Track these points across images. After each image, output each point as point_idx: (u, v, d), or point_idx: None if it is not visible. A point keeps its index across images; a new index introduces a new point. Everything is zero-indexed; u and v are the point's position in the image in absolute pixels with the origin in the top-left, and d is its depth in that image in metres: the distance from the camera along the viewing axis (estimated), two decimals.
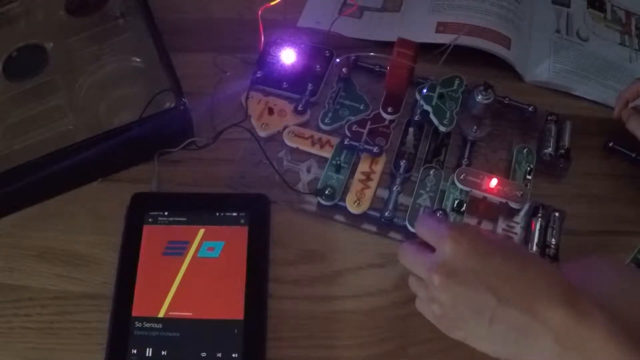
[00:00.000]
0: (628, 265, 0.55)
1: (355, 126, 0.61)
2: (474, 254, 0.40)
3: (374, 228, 0.57)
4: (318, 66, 0.66)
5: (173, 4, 0.72)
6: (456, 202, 0.57)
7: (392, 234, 0.57)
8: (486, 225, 0.57)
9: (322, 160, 0.60)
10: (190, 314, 0.52)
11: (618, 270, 0.46)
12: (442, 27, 0.68)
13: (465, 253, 0.41)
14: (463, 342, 0.44)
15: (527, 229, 0.57)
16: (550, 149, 0.61)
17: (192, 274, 0.53)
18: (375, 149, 0.59)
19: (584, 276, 0.43)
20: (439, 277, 0.41)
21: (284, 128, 0.62)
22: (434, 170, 0.59)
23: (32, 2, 0.67)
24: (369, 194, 0.58)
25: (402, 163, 0.59)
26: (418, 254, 0.44)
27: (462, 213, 0.57)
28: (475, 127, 0.61)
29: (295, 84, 0.65)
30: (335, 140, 0.61)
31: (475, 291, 0.40)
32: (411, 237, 0.55)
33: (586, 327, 0.37)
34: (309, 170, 0.60)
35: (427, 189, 0.58)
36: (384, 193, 0.59)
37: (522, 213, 0.58)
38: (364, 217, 0.57)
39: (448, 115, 0.61)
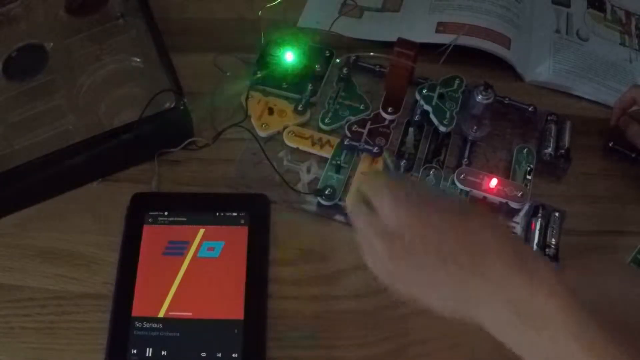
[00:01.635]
0: (628, 265, 0.55)
1: (355, 126, 0.61)
2: (415, 209, 0.40)
3: None
4: (318, 66, 0.66)
5: (173, 3, 0.72)
6: None
7: None
8: None
9: (322, 160, 0.60)
10: (190, 314, 0.52)
11: (618, 270, 0.46)
12: (442, 27, 0.68)
13: (405, 209, 0.40)
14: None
15: (527, 229, 0.57)
16: (550, 149, 0.61)
17: (192, 274, 0.53)
18: (375, 149, 0.59)
19: (585, 277, 0.43)
20: (381, 241, 0.40)
21: (284, 128, 0.62)
22: (434, 170, 0.59)
23: (32, 2, 0.67)
24: None
25: (402, 163, 0.59)
26: (367, 216, 0.42)
27: None
28: (475, 127, 0.61)
29: (295, 84, 0.64)
30: (335, 140, 0.61)
31: (420, 247, 0.39)
32: None
33: (541, 295, 0.35)
34: (309, 170, 0.60)
35: None
36: None
37: (522, 213, 0.58)
38: None
39: (448, 115, 0.61)
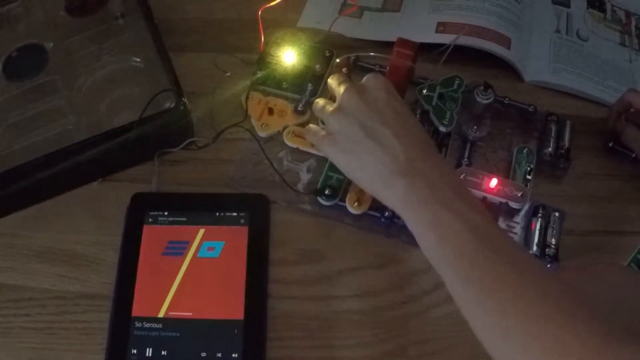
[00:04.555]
0: (628, 267, 0.55)
1: None
2: (382, 89, 0.52)
3: (374, 228, 0.57)
4: (318, 66, 0.66)
5: (173, 3, 0.72)
6: None
7: (393, 234, 0.57)
8: None
9: (322, 160, 0.60)
10: (190, 314, 0.52)
11: (619, 274, 0.46)
12: (442, 27, 0.68)
13: (377, 86, 0.52)
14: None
15: (527, 229, 0.57)
16: (550, 149, 0.61)
17: (192, 274, 0.54)
18: None
19: (585, 280, 0.43)
20: (350, 92, 0.52)
21: (284, 128, 0.62)
22: None
23: (32, 2, 0.67)
24: (369, 194, 0.58)
25: None
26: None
27: None
28: (475, 127, 0.61)
29: (295, 84, 0.65)
30: None
31: (369, 109, 0.51)
32: (412, 237, 0.55)
33: (429, 159, 0.48)
34: (309, 170, 0.60)
35: None
36: None
37: (522, 213, 0.58)
38: (364, 217, 0.57)
39: (448, 115, 0.61)
